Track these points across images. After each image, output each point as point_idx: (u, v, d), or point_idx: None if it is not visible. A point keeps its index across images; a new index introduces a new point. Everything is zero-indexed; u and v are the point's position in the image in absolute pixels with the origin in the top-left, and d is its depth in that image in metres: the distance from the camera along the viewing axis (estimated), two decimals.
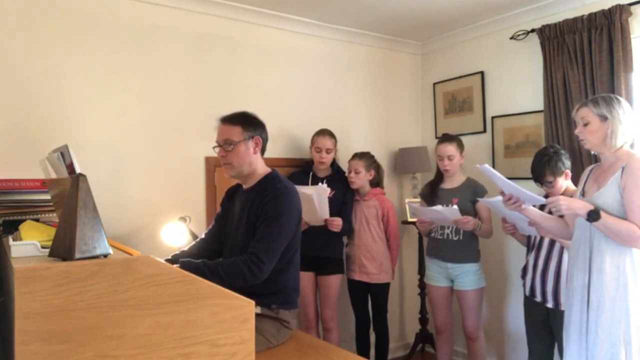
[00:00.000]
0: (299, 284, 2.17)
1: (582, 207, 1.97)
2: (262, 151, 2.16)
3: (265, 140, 2.16)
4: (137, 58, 2.87)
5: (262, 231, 1.96)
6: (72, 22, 2.68)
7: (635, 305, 1.93)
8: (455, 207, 2.84)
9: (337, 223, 3.06)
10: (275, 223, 1.96)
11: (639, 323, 1.94)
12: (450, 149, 3.04)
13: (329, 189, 2.95)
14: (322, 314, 3.21)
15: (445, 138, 3.12)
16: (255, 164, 2.11)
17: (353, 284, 3.31)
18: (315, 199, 2.93)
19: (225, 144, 2.07)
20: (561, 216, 2.29)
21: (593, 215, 1.94)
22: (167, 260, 2.10)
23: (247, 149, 2.07)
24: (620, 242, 1.95)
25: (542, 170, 2.56)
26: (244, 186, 2.17)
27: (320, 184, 3.19)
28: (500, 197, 2.27)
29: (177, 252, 2.28)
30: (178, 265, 1.81)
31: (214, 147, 2.14)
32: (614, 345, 1.94)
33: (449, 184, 3.11)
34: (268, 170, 2.15)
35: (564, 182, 2.58)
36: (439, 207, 2.87)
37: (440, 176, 3.16)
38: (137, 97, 2.87)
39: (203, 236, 2.34)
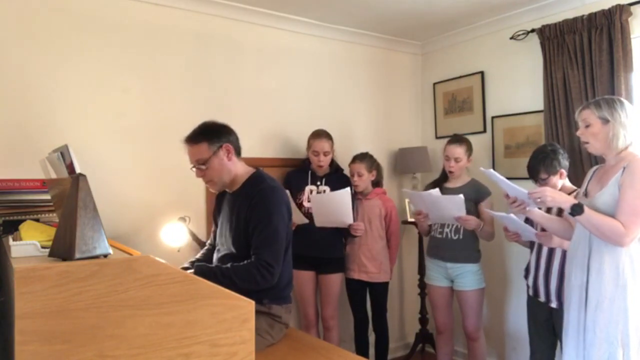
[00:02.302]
0: (292, 279, 2.17)
1: (566, 200, 1.98)
2: (238, 153, 2.12)
3: (235, 143, 2.11)
4: (137, 58, 2.87)
5: (260, 236, 1.96)
6: (72, 22, 2.68)
7: (633, 305, 1.93)
8: (461, 196, 2.79)
9: (361, 228, 3.06)
10: (269, 225, 1.96)
11: (638, 324, 1.93)
12: (459, 151, 3.03)
13: (349, 190, 2.92)
14: (323, 313, 3.22)
15: (455, 139, 3.11)
16: (235, 169, 2.09)
17: (352, 283, 3.30)
18: (337, 204, 2.91)
19: (198, 165, 2.05)
20: (561, 215, 2.30)
21: (577, 210, 1.94)
22: (184, 269, 2.15)
23: (220, 160, 2.04)
24: (603, 239, 1.95)
25: (536, 167, 2.58)
26: (229, 190, 2.17)
27: (319, 183, 3.19)
28: (507, 214, 2.37)
29: (193, 259, 2.33)
30: (192, 270, 1.86)
31: (190, 168, 2.11)
32: (612, 345, 1.94)
33: (453, 183, 3.11)
34: (251, 170, 2.13)
35: (559, 181, 2.59)
36: (437, 193, 2.84)
37: (445, 175, 3.17)
38: (137, 97, 2.87)
39: (207, 245, 2.39)
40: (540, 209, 2.32)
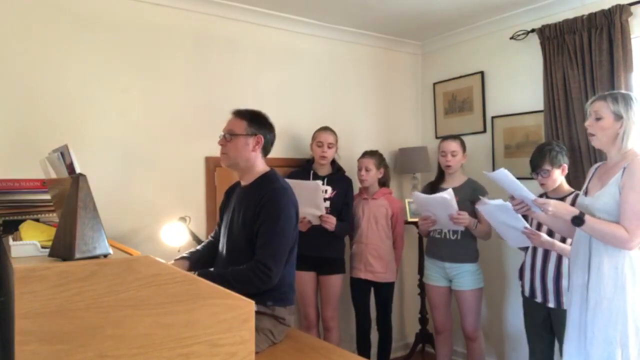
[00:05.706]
0: (295, 281, 2.19)
1: (568, 212, 1.98)
2: (265, 151, 2.19)
3: (268, 142, 2.18)
4: (137, 58, 2.87)
5: (264, 236, 1.97)
6: (72, 22, 2.68)
7: (633, 306, 1.93)
8: (450, 190, 2.82)
9: (331, 221, 3.01)
10: (275, 226, 1.98)
11: (637, 324, 1.93)
12: (454, 145, 3.07)
13: (320, 183, 2.93)
14: (323, 314, 3.21)
15: (449, 136, 3.18)
16: (253, 161, 2.14)
17: (357, 282, 3.30)
18: (307, 193, 2.89)
19: (226, 134, 2.12)
20: None
21: (576, 221, 1.95)
22: (182, 258, 2.22)
23: (246, 144, 2.10)
24: (608, 244, 1.95)
25: (541, 158, 2.59)
26: (242, 182, 2.21)
27: (321, 183, 3.18)
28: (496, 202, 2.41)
29: (192, 249, 2.35)
30: (196, 273, 1.87)
31: (219, 135, 2.18)
32: (611, 345, 1.94)
33: (449, 184, 3.10)
34: (267, 169, 2.18)
35: (560, 176, 2.61)
36: (432, 195, 2.89)
37: (441, 176, 3.17)
38: (137, 96, 2.87)
39: (210, 238, 2.40)
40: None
